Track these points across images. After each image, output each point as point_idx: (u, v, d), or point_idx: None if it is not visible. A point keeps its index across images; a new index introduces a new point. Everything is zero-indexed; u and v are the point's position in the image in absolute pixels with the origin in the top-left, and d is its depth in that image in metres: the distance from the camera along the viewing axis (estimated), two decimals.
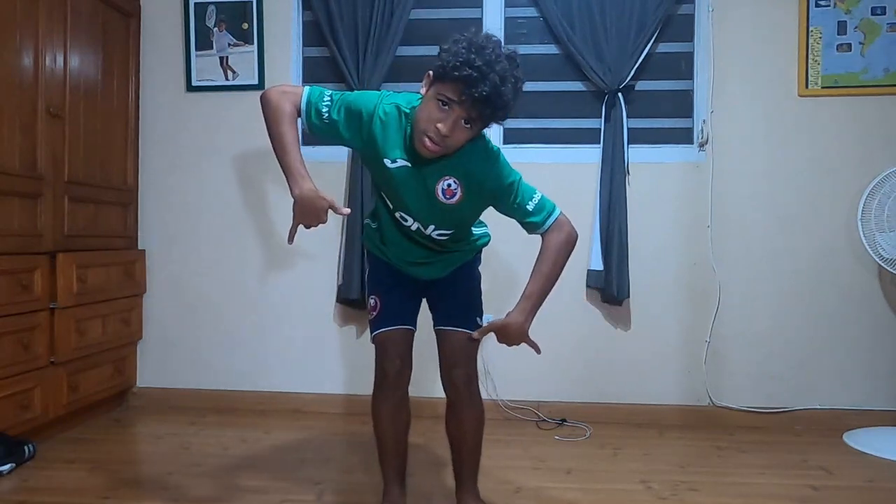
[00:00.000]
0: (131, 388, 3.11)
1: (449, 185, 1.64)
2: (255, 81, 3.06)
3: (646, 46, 2.86)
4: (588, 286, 2.92)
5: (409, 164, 1.63)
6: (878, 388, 2.86)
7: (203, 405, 3.06)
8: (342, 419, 2.93)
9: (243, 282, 3.09)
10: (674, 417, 2.91)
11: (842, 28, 2.85)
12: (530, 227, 1.69)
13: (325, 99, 1.65)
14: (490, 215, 1.79)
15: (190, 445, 2.55)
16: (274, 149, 1.63)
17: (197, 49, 3.09)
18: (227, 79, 3.09)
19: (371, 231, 1.89)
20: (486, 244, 1.91)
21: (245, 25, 3.06)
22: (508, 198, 1.65)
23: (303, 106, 1.64)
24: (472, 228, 1.85)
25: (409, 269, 1.82)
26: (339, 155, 2.97)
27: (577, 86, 3.01)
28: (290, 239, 1.63)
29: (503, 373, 2.93)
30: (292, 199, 1.58)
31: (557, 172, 2.85)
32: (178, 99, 3.12)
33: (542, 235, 1.68)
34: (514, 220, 1.71)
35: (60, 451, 2.45)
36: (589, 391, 2.95)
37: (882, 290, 2.86)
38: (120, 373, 2.97)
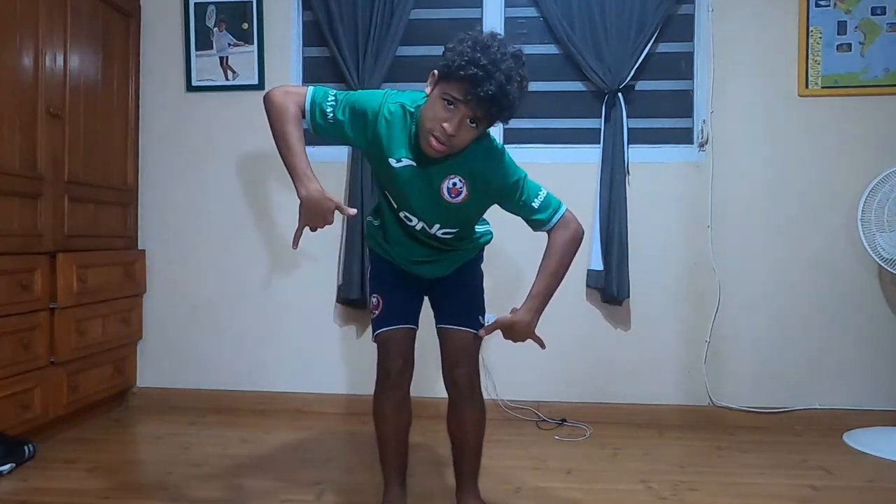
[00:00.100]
0: (131, 388, 3.11)
1: (454, 184, 1.64)
2: (255, 81, 3.06)
3: (646, 46, 2.86)
4: (588, 286, 2.92)
5: (414, 164, 1.63)
6: (878, 388, 2.86)
7: (203, 405, 3.06)
8: (342, 419, 2.93)
9: (243, 282, 3.09)
10: (674, 417, 2.91)
11: (842, 28, 2.85)
12: (536, 225, 1.69)
13: (329, 99, 1.64)
14: (494, 213, 1.79)
15: (190, 445, 2.55)
16: (279, 149, 1.62)
17: (197, 49, 3.09)
18: (227, 79, 3.09)
19: (373, 228, 1.88)
20: (488, 242, 1.92)
21: (245, 25, 3.06)
22: (514, 195, 1.65)
23: (307, 106, 1.64)
24: (475, 226, 1.85)
25: (412, 268, 1.82)
26: (339, 155, 2.97)
27: (577, 86, 3.01)
28: (295, 243, 1.62)
29: (503, 373, 2.93)
30: (298, 201, 1.57)
31: (557, 172, 2.83)
32: (178, 99, 3.12)
33: (549, 233, 1.69)
34: (519, 218, 1.71)
35: (60, 451, 2.45)
36: (589, 391, 2.95)
37: (882, 290, 2.86)
38: (120, 373, 2.97)
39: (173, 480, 2.19)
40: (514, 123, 3.15)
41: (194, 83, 3.10)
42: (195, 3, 3.07)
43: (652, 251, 2.92)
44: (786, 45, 2.88)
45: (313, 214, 1.57)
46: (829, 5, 2.85)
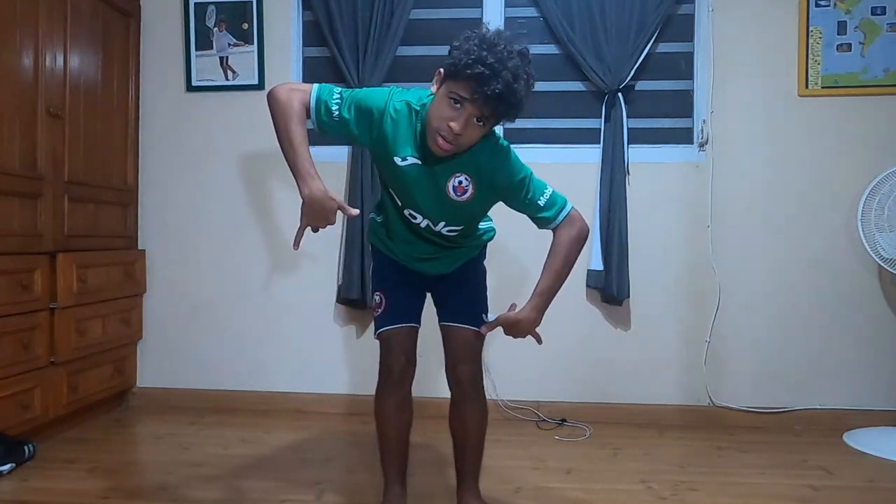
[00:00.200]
0: (131, 388, 3.11)
1: (460, 182, 1.64)
2: (255, 81, 3.06)
3: (646, 46, 2.86)
4: (588, 286, 2.92)
5: (420, 163, 1.62)
6: (878, 388, 2.86)
7: (203, 405, 3.06)
8: (342, 419, 2.93)
9: (243, 282, 3.09)
10: (674, 417, 2.91)
11: (842, 28, 2.85)
12: (542, 223, 1.69)
13: (334, 97, 1.63)
14: (498, 211, 1.79)
15: (190, 445, 2.55)
16: (282, 148, 1.61)
17: (197, 49, 3.09)
18: (227, 79, 3.09)
19: (376, 225, 1.88)
20: (491, 238, 1.92)
21: (245, 25, 3.06)
22: (520, 193, 1.65)
23: (312, 104, 1.62)
24: (479, 223, 1.85)
25: (416, 265, 1.82)
26: (339, 155, 2.97)
27: (577, 86, 3.01)
28: (297, 243, 1.61)
29: (503, 373, 2.93)
30: (299, 200, 1.56)
31: (557, 172, 2.81)
32: (178, 99, 3.12)
33: (554, 231, 1.69)
34: (523, 215, 1.71)
35: (60, 451, 2.45)
36: (589, 391, 2.95)
37: (882, 290, 2.86)
38: (120, 373, 2.97)
39: (173, 480, 2.19)
40: (515, 123, 3.15)
41: (194, 83, 3.10)
42: (195, 3, 3.07)
43: (652, 251, 2.92)
44: (786, 45, 2.88)
45: (315, 214, 1.56)
46: (829, 5, 2.85)
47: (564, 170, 2.90)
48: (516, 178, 1.65)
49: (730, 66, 2.90)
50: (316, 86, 1.65)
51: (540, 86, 2.97)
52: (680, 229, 2.93)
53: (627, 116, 2.88)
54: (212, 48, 3.08)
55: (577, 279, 2.92)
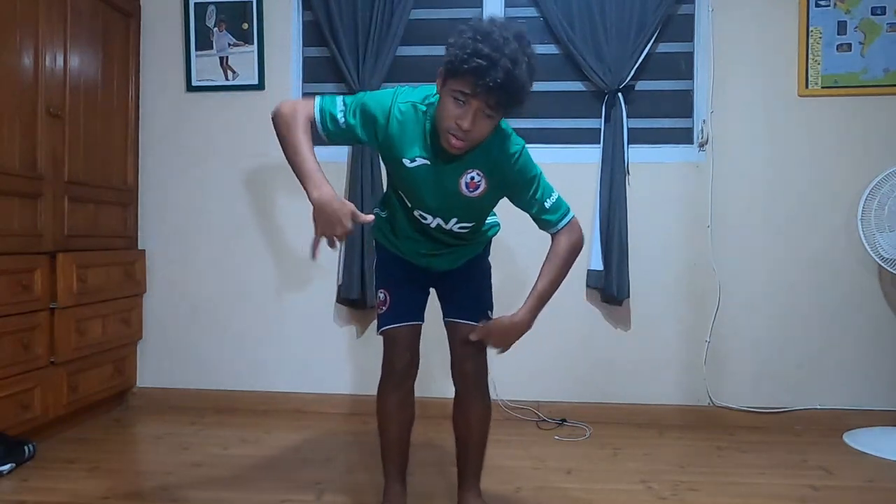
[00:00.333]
0: (131, 388, 3.11)
1: (473, 178, 1.64)
2: (255, 81, 3.06)
3: (646, 46, 2.86)
4: (588, 286, 2.92)
5: (428, 162, 1.62)
6: (878, 388, 2.86)
7: (203, 405, 3.06)
8: (342, 419, 2.93)
9: (243, 282, 3.09)
10: (674, 417, 2.91)
11: (842, 28, 2.85)
12: (544, 224, 1.70)
13: (338, 105, 1.63)
14: (501, 210, 1.79)
15: (190, 445, 2.55)
16: (288, 157, 1.60)
17: (197, 49, 3.09)
18: (227, 79, 3.09)
19: (381, 221, 1.86)
20: (496, 233, 1.91)
21: (245, 25, 3.06)
22: (528, 191, 1.66)
23: (317, 115, 1.62)
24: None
25: (422, 261, 1.82)
26: (339, 155, 2.97)
27: (577, 86, 3.01)
28: (314, 254, 1.54)
29: (503, 373, 2.93)
30: (306, 204, 1.53)
31: (557, 172, 2.80)
32: (178, 99, 3.12)
33: (554, 235, 1.69)
34: (527, 214, 1.71)
35: (60, 451, 2.45)
36: (589, 391, 2.95)
37: (882, 290, 2.86)
38: (120, 373, 2.97)
39: (173, 480, 2.19)
40: (515, 123, 3.16)
41: (194, 83, 3.10)
42: (195, 3, 3.07)
43: (652, 251, 2.92)
44: (786, 45, 2.88)
45: (327, 220, 1.49)
46: (829, 5, 2.85)
47: (564, 170, 2.89)
48: (528, 175, 1.65)
49: (730, 66, 2.90)
50: (318, 98, 1.65)
51: (540, 86, 2.99)
52: (680, 229, 2.93)
53: (627, 116, 2.88)
54: (212, 48, 3.08)
55: (577, 279, 2.92)
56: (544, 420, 2.90)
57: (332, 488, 2.14)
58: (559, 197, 1.69)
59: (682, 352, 2.93)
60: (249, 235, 3.09)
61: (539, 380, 2.95)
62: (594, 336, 2.96)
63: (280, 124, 1.62)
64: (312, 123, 1.63)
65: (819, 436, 2.74)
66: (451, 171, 1.63)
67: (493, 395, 2.87)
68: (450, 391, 1.88)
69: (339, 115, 1.63)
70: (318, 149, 3.21)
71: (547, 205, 1.66)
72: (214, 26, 3.08)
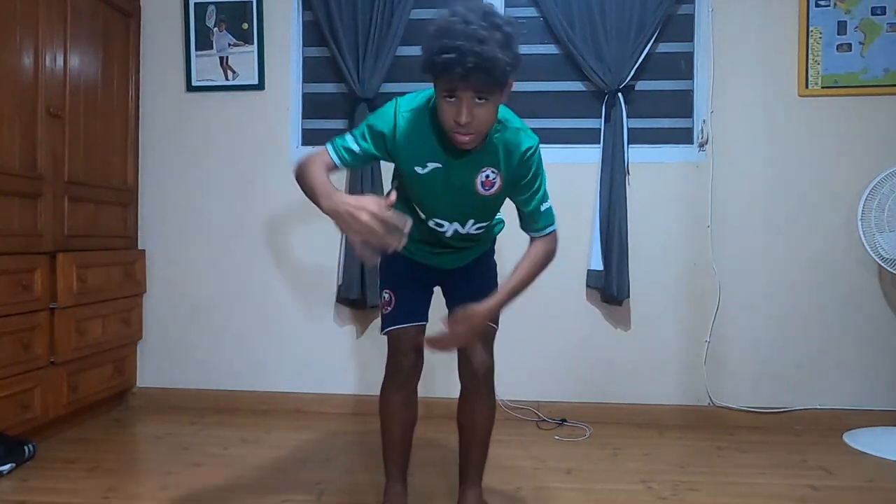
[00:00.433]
0: (131, 388, 3.11)
1: (488, 177, 1.64)
2: (255, 81, 3.06)
3: (646, 46, 2.86)
4: (588, 286, 2.92)
5: (440, 165, 1.62)
6: (878, 388, 2.86)
7: (203, 405, 3.06)
8: (342, 419, 2.93)
9: (243, 282, 3.09)
10: (674, 417, 2.91)
11: (842, 28, 2.85)
12: (531, 225, 1.70)
13: (348, 138, 1.64)
14: (504, 209, 1.80)
15: (190, 445, 2.55)
16: (308, 194, 1.55)
17: (197, 49, 3.09)
18: (227, 79, 3.09)
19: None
20: (502, 230, 1.92)
21: (245, 25, 3.06)
22: (532, 188, 1.66)
23: (332, 155, 1.62)
24: None
25: (430, 259, 1.81)
26: None
27: (577, 86, 3.01)
28: (365, 259, 1.47)
29: (503, 373, 2.89)
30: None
31: (557, 172, 2.82)
32: (178, 99, 3.12)
33: (533, 239, 1.71)
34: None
35: (60, 451, 2.45)
36: (589, 391, 2.95)
37: (882, 290, 2.86)
38: (120, 373, 2.98)
39: (173, 480, 2.19)
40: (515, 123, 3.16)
41: (194, 83, 3.10)
42: (195, 3, 3.07)
43: (652, 251, 2.92)
44: (786, 45, 2.88)
45: (350, 221, 1.39)
46: (829, 5, 2.85)
47: (564, 170, 2.90)
48: (537, 173, 1.66)
49: (730, 66, 2.90)
50: (327, 143, 1.66)
51: (540, 86, 3.02)
52: (680, 229, 2.93)
53: (627, 116, 2.88)
54: (212, 48, 3.08)
55: (577, 279, 2.93)
56: (544, 420, 2.90)
57: (331, 488, 2.14)
58: (552, 206, 1.71)
59: (682, 352, 2.93)
60: (249, 235, 3.09)
61: (539, 380, 2.95)
62: (594, 336, 2.96)
63: (300, 173, 1.59)
64: (330, 167, 1.61)
65: (819, 436, 2.74)
66: (467, 171, 1.63)
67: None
68: (453, 391, 1.88)
69: (353, 145, 1.63)
70: (315, 148, 3.21)
71: (542, 208, 1.68)
72: (214, 26, 3.08)
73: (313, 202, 1.53)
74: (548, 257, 1.71)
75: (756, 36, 2.90)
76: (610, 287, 2.83)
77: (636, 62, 2.86)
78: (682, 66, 2.99)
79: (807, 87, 2.87)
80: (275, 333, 3.08)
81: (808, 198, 2.88)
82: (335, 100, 3.10)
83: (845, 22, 2.84)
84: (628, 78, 2.86)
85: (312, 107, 3.12)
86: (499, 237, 1.94)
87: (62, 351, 2.54)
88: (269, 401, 3.06)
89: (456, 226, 1.72)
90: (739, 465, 2.41)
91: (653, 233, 2.92)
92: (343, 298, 2.95)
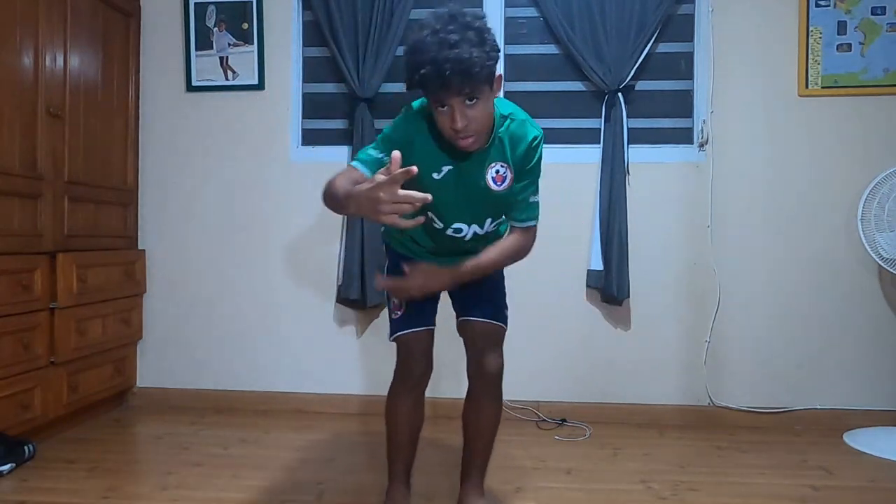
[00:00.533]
0: (131, 388, 3.11)
1: (498, 172, 1.65)
2: (255, 81, 3.06)
3: (646, 46, 2.86)
4: (588, 286, 2.92)
5: (452, 167, 1.63)
6: (878, 388, 2.86)
7: (203, 405, 3.06)
8: (342, 419, 2.93)
9: (243, 282, 3.09)
10: (674, 417, 2.91)
11: (842, 28, 2.85)
12: (513, 213, 1.72)
13: (368, 150, 1.63)
14: None
15: (190, 445, 2.55)
16: (338, 207, 1.55)
17: (197, 49, 3.09)
18: (227, 79, 3.09)
19: (394, 232, 1.85)
20: (507, 230, 1.92)
21: (245, 25, 3.06)
22: (527, 178, 1.67)
23: (360, 167, 1.59)
24: None
25: (440, 261, 1.80)
26: (339, 155, 2.97)
27: (577, 86, 3.01)
28: (401, 228, 1.40)
29: (503, 373, 2.93)
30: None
31: (557, 172, 2.84)
32: (178, 99, 3.12)
33: (513, 228, 1.72)
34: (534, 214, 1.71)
35: (60, 451, 2.45)
36: (589, 391, 2.95)
37: (882, 290, 2.86)
38: (120, 373, 2.97)
39: (173, 481, 2.19)
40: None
41: (194, 83, 3.10)
42: (195, 3, 3.07)
43: (652, 251, 2.92)
44: (786, 45, 2.88)
45: (367, 203, 1.34)
46: (829, 5, 2.85)
47: (564, 170, 2.91)
48: (536, 164, 1.67)
49: (730, 66, 2.90)
50: (351, 161, 1.64)
51: (540, 86, 3.02)
52: (680, 229, 2.93)
53: (627, 116, 2.88)
54: (212, 48, 3.08)
55: (577, 279, 2.93)
56: (544, 420, 2.90)
57: (332, 488, 2.14)
58: (539, 203, 1.72)
59: (682, 352, 2.93)
60: (249, 235, 3.09)
61: (539, 380, 2.95)
62: (594, 336, 2.96)
63: (328, 199, 1.57)
64: (358, 180, 1.56)
65: (819, 436, 2.74)
66: (476, 168, 1.64)
67: None
68: (459, 391, 1.88)
69: (377, 154, 1.61)
70: (318, 149, 3.21)
71: (530, 200, 1.69)
72: (214, 26, 3.08)
73: (343, 212, 1.55)
74: (521, 251, 1.73)
75: (756, 36, 2.90)
76: (610, 287, 2.83)
77: (636, 62, 2.86)
78: (682, 66, 2.99)
79: (807, 87, 2.87)
80: (275, 333, 3.08)
81: (808, 198, 2.88)
82: (335, 100, 3.10)
83: (845, 22, 2.84)
84: (628, 78, 2.86)
85: (312, 107, 3.12)
86: None
87: (62, 351, 2.54)
88: (269, 401, 3.06)
89: (475, 227, 1.73)
90: (739, 465, 2.41)
91: (653, 233, 2.92)
92: (343, 298, 2.95)
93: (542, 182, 1.73)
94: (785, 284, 2.89)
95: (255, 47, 3.06)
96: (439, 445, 2.48)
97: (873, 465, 2.42)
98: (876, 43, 2.83)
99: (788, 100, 2.89)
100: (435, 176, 1.63)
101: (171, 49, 3.12)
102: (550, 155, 2.95)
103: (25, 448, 2.29)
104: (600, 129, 2.91)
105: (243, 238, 3.09)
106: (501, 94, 2.95)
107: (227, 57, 3.08)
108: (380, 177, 1.32)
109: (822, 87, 2.86)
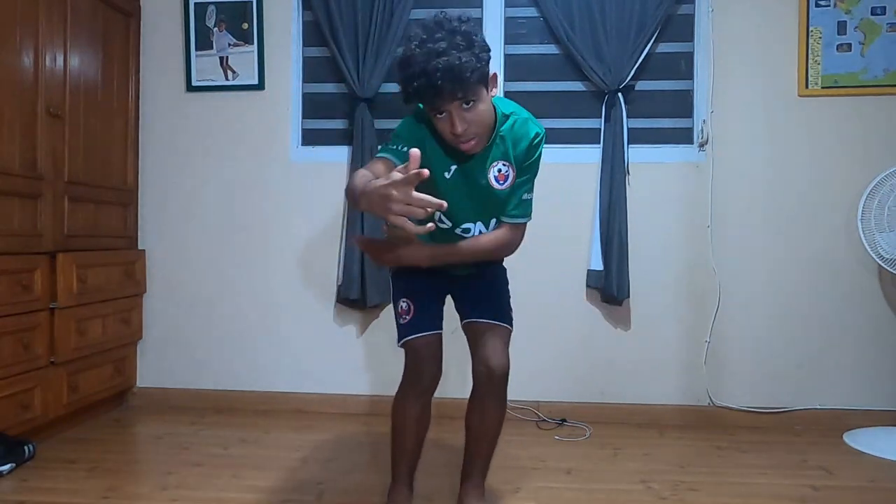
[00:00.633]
0: (131, 388, 3.11)
1: (500, 171, 1.66)
2: (255, 81, 3.06)
3: (646, 46, 2.86)
4: (588, 286, 2.92)
5: (457, 165, 1.65)
6: (878, 388, 2.86)
7: (203, 405, 3.06)
8: (343, 419, 2.93)
9: (243, 282, 3.09)
10: (674, 417, 2.91)
11: (842, 28, 2.85)
12: (504, 209, 1.72)
13: (390, 147, 1.63)
14: None
15: (190, 445, 2.55)
16: (353, 205, 1.53)
17: (197, 49, 3.09)
18: (227, 79, 3.09)
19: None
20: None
21: (245, 25, 3.06)
22: (526, 173, 1.69)
23: (390, 157, 1.59)
24: None
25: (448, 267, 1.81)
26: (339, 155, 2.97)
27: (577, 86, 3.01)
28: (412, 231, 1.34)
29: (509, 374, 2.93)
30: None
31: (557, 172, 2.85)
32: (178, 99, 3.12)
33: (502, 223, 1.73)
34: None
35: (60, 451, 2.45)
36: (589, 391, 2.95)
37: (882, 290, 2.86)
38: (120, 373, 2.97)
39: (173, 480, 2.19)
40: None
41: (194, 83, 3.10)
42: (195, 3, 3.07)
43: (652, 251, 2.92)
44: (786, 45, 2.88)
45: (377, 201, 1.30)
46: (829, 5, 2.85)
47: (564, 170, 2.91)
48: (534, 163, 1.67)
49: (730, 66, 2.90)
50: (378, 153, 1.64)
51: (540, 86, 3.02)
52: (680, 229, 2.93)
53: (627, 116, 2.88)
54: (212, 48, 3.08)
55: (577, 279, 2.93)
56: (544, 420, 2.90)
57: (332, 488, 2.14)
58: (532, 202, 1.73)
59: (682, 352, 2.93)
60: (249, 235, 3.09)
61: (539, 380, 2.95)
62: (594, 336, 2.95)
63: (348, 191, 1.56)
64: (389, 167, 1.56)
65: (819, 436, 2.74)
66: (479, 167, 1.65)
67: None
68: (463, 391, 1.88)
69: (402, 147, 1.60)
70: (318, 149, 3.20)
71: (523, 197, 1.70)
72: (214, 26, 3.08)
73: (357, 208, 1.53)
74: (506, 246, 1.74)
75: (756, 36, 2.90)
76: (610, 287, 2.82)
77: (636, 62, 2.86)
78: (682, 66, 2.99)
79: (807, 87, 2.87)
80: (275, 333, 3.08)
81: (808, 198, 2.88)
82: (335, 100, 3.10)
83: (845, 22, 2.84)
84: (628, 78, 2.86)
85: (312, 107, 3.12)
86: None
87: (62, 351, 2.54)
88: (269, 401, 3.06)
89: (480, 226, 1.74)
90: (739, 465, 2.41)
91: (653, 233, 2.92)
92: (343, 298, 2.95)
93: (542, 182, 1.74)
94: (785, 284, 2.89)
95: (255, 47, 3.06)
96: (443, 446, 2.48)
97: (873, 465, 2.42)
98: (876, 43, 2.83)
99: (788, 100, 2.89)
100: (445, 175, 1.65)
101: (171, 49, 3.12)
102: (550, 155, 2.95)
103: (25, 448, 2.29)
104: (600, 129, 2.91)
105: (243, 238, 3.09)
106: (501, 92, 2.96)
107: (227, 57, 3.08)
108: (396, 174, 1.26)
109: (822, 87, 2.86)
